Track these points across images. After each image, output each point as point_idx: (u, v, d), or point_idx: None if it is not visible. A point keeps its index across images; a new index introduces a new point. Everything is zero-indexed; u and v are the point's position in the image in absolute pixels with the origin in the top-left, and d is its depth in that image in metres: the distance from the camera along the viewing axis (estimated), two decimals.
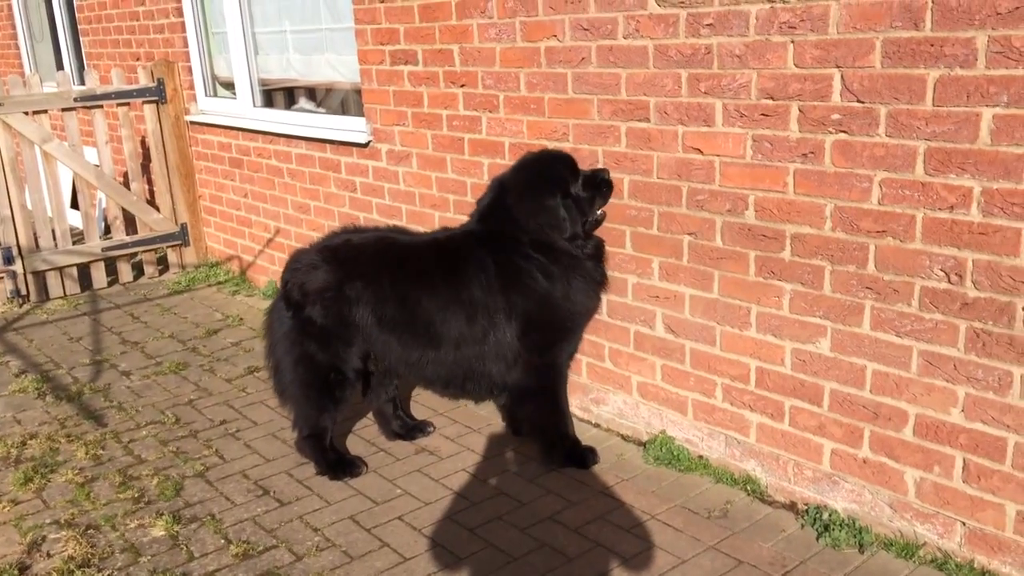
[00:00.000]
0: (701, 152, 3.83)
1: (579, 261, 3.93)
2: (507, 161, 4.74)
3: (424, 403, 4.86)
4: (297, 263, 4.11)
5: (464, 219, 4.76)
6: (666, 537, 3.52)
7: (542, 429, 4.16)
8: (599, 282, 4.07)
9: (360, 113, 5.80)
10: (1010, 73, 2.82)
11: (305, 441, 4.19)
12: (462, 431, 4.58)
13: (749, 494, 3.84)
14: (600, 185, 3.96)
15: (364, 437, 4.55)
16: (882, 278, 3.31)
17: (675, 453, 4.14)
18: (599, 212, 4.03)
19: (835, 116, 3.32)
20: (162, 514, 3.84)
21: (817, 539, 3.48)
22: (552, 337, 4.01)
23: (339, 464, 4.17)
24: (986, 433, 3.12)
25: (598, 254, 4.05)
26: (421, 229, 4.96)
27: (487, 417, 4.73)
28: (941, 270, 3.14)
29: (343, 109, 6.38)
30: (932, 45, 2.99)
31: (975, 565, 3.21)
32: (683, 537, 3.52)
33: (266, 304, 5.05)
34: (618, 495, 3.86)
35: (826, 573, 3.27)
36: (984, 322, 3.06)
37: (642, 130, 4.05)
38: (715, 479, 3.97)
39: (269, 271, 7.11)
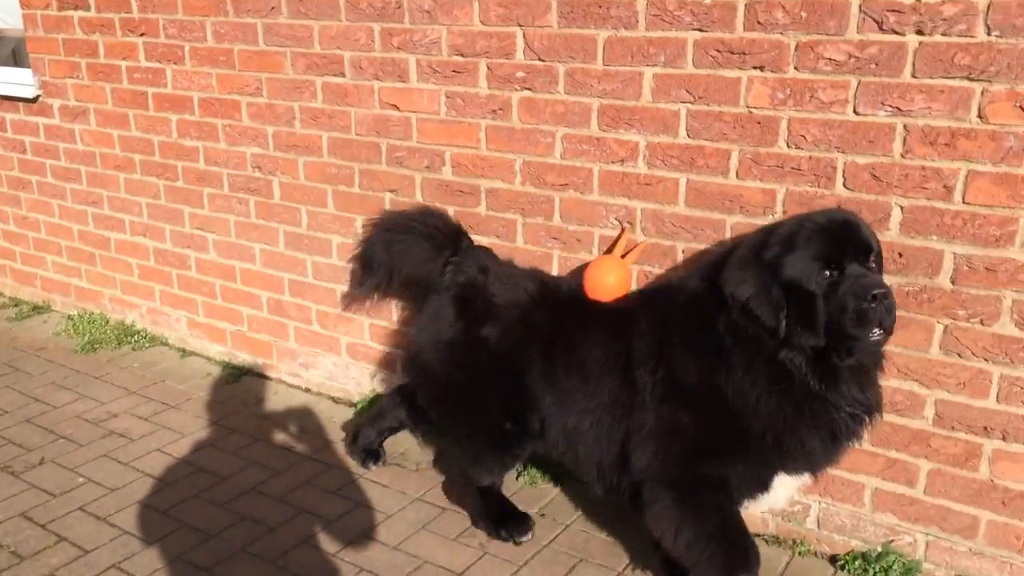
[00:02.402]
0: (398, 108, 3.80)
1: (803, 385, 2.57)
2: (197, 118, 4.44)
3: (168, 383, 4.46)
4: (497, 270, 3.36)
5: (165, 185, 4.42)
6: (373, 494, 3.52)
7: None
8: (839, 431, 2.64)
9: (28, 64, 5.14)
10: (666, 35, 3.06)
11: (472, 494, 3.37)
12: (158, 408, 4.26)
13: None
14: (859, 303, 2.41)
15: (41, 425, 4.08)
16: (567, 228, 3.50)
17: None
18: (871, 333, 2.45)
19: (520, 74, 3.43)
20: None
21: (516, 478, 3.65)
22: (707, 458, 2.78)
23: (506, 521, 3.29)
24: None
25: (850, 393, 2.59)
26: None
27: (186, 392, 4.44)
28: (616, 219, 3.37)
29: (15, 60, 5.61)
30: (600, 6, 3.17)
31: None
32: (390, 492, 3.53)
33: None
34: (326, 459, 3.80)
35: (523, 510, 3.41)
36: (651, 264, 3.33)
37: (338, 85, 3.94)
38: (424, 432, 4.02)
39: None
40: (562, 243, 3.52)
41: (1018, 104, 2.53)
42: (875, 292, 2.39)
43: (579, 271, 3.35)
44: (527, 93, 3.45)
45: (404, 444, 3.92)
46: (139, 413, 4.21)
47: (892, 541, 3.08)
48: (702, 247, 3.19)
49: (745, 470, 2.71)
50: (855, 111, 2.79)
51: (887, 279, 2.72)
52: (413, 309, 3.84)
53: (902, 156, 2.75)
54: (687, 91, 3.08)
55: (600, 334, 3.01)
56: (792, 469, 2.73)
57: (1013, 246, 2.63)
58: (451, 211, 3.76)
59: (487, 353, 3.17)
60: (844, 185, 2.86)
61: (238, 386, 4.52)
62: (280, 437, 3.98)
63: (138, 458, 3.79)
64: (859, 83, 2.76)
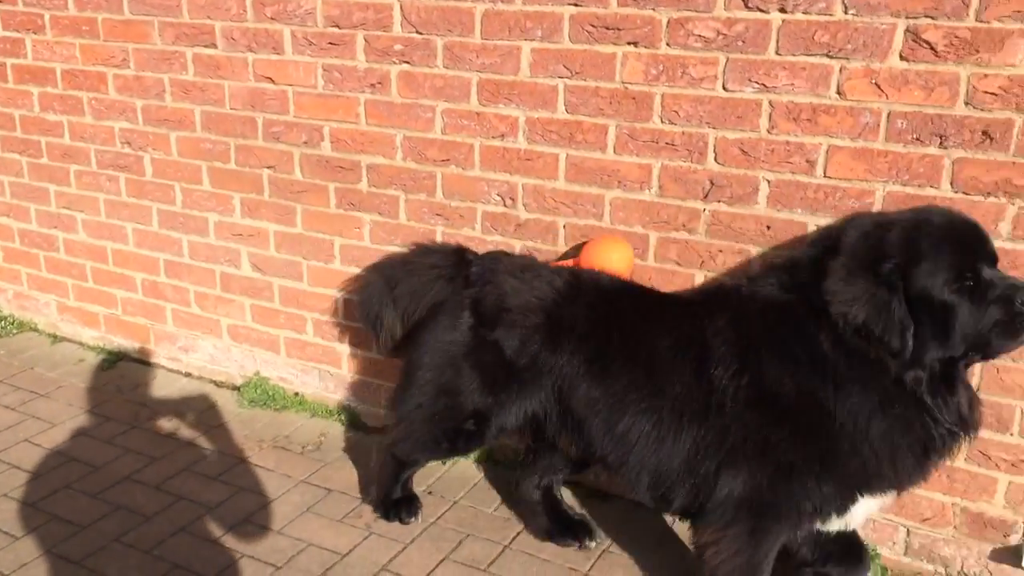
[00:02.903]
0: (273, 81, 3.68)
1: (922, 405, 2.35)
2: (60, 91, 4.21)
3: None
4: (509, 263, 3.03)
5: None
6: (256, 479, 3.44)
7: None
8: (933, 448, 2.41)
9: None
10: (542, 9, 3.06)
11: (389, 458, 3.23)
12: (27, 397, 4.04)
13: (344, 424, 3.89)
14: (1009, 309, 2.23)
15: None
16: (449, 205, 3.48)
17: (270, 393, 4.05)
18: (1000, 346, 2.31)
19: (398, 47, 3.37)
20: None
21: None
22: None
23: (399, 505, 3.24)
24: None
25: (958, 416, 2.38)
26: None
27: (57, 379, 4.23)
28: (498, 195, 3.37)
29: None
30: None
31: None
32: (274, 476, 3.46)
33: None
34: (206, 444, 3.69)
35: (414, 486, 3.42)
36: (534, 240, 3.35)
37: (210, 57, 3.79)
38: (311, 414, 3.95)
39: None
40: (445, 219, 3.50)
41: (874, 81, 2.63)
42: None
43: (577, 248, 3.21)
44: (406, 67, 3.39)
45: (289, 427, 3.85)
46: (5, 402, 3.99)
47: None
48: (583, 223, 3.22)
49: (830, 493, 2.46)
50: (724, 87, 2.85)
51: (762, 251, 2.82)
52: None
53: (768, 132, 2.83)
54: (564, 66, 3.09)
55: (669, 323, 2.68)
56: (879, 490, 2.49)
57: None
58: (331, 187, 3.69)
59: (493, 356, 2.87)
60: (715, 160, 2.94)
61: (113, 372, 4.34)
62: (158, 424, 3.84)
63: (4, 450, 3.60)
64: (727, 60, 2.82)
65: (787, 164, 2.83)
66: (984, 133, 2.52)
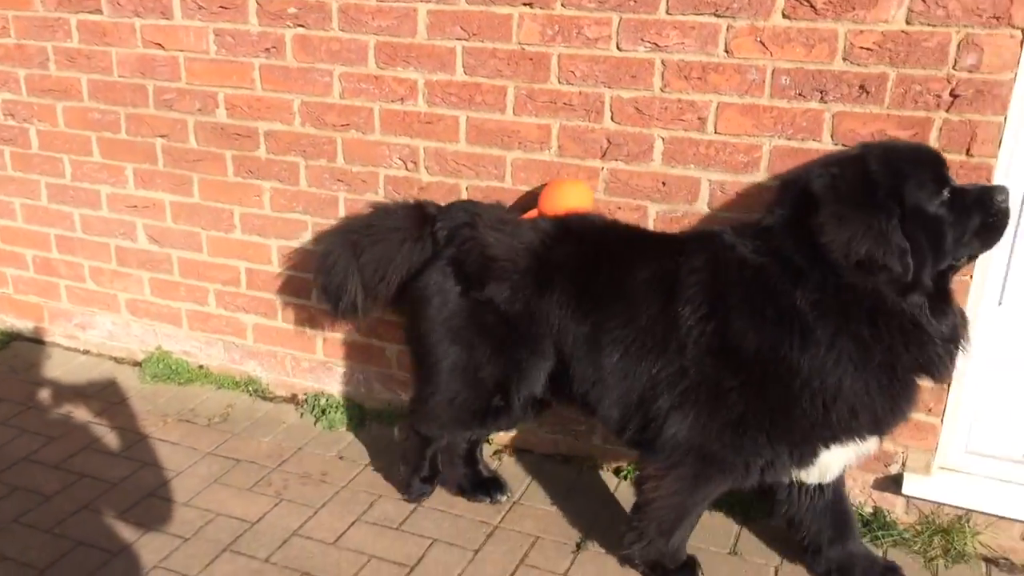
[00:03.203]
0: (163, 47, 3.57)
1: (919, 331, 2.36)
2: None
3: None
4: (487, 217, 2.89)
5: None
6: (162, 453, 3.38)
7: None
8: (937, 370, 2.44)
9: None
10: None
11: (414, 435, 3.11)
12: None
13: (251, 395, 3.85)
14: (988, 211, 2.34)
15: None
16: (351, 170, 3.45)
17: (173, 367, 3.97)
18: (973, 256, 2.45)
19: (292, 9, 3.31)
20: None
21: (315, 424, 3.63)
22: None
23: (427, 480, 3.16)
24: None
25: (954, 331, 2.43)
26: None
27: None
28: (399, 159, 3.36)
29: None
30: None
31: None
32: (180, 449, 3.41)
33: None
34: (108, 422, 3.60)
35: (321, 454, 3.43)
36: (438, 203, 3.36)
37: (95, 23, 3.65)
38: (217, 386, 3.90)
39: None
40: (347, 185, 3.48)
41: (759, 39, 2.73)
42: (1001, 192, 2.32)
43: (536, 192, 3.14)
44: (300, 30, 3.34)
45: (195, 400, 3.78)
46: None
47: None
48: (485, 184, 3.25)
49: (783, 448, 2.47)
50: (618, 47, 2.91)
51: (659, 207, 2.92)
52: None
53: (661, 90, 2.91)
54: (461, 28, 3.09)
55: (648, 257, 2.67)
56: (852, 440, 2.49)
57: (759, 171, 2.87)
58: (228, 155, 3.61)
59: (492, 316, 2.78)
60: (612, 119, 3.00)
61: (6, 352, 4.18)
62: (56, 402, 3.73)
63: None
64: (620, 20, 2.88)
65: (680, 121, 2.92)
66: (861, 87, 2.65)
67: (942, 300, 2.38)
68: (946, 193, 2.30)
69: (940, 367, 2.40)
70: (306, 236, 3.60)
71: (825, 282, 2.33)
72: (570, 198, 2.98)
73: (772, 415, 2.43)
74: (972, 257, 2.44)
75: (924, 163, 2.34)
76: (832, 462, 2.58)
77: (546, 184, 3.10)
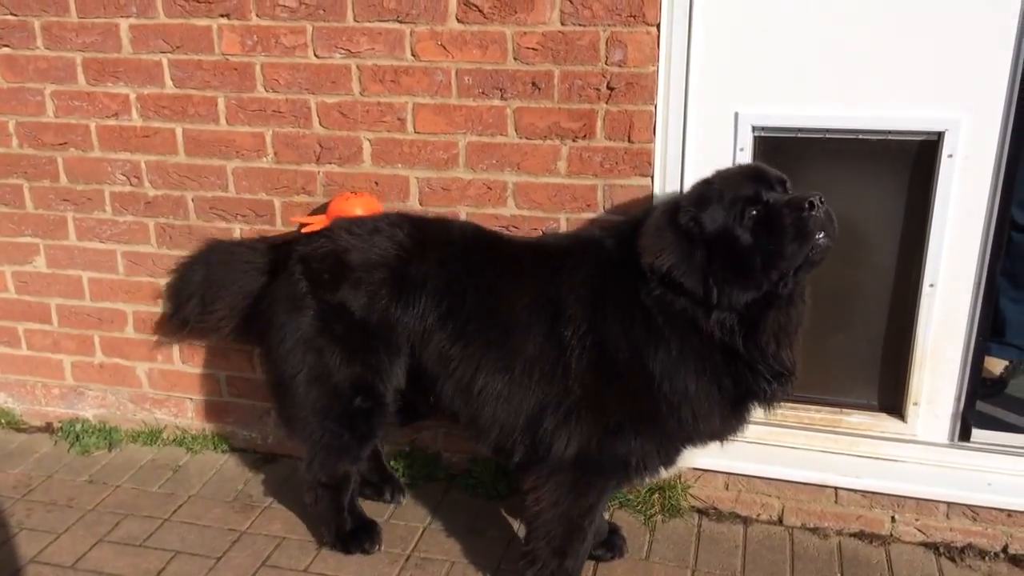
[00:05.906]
0: None
1: (737, 357, 2.39)
2: None
3: None
4: (341, 226, 2.80)
5: None
6: None
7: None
8: (756, 397, 2.49)
9: None
10: None
11: (319, 491, 2.94)
12: None
13: (4, 426, 3.74)
14: (795, 221, 2.22)
15: None
16: (76, 188, 3.40)
17: None
18: (816, 241, 2.24)
19: None
20: None
21: (69, 450, 3.57)
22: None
23: (357, 533, 2.97)
24: None
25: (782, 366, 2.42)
26: None
27: None
28: (122, 174, 3.34)
29: None
30: None
31: (207, 432, 3.63)
32: None
33: None
34: None
35: (71, 479, 3.38)
36: (167, 217, 3.35)
37: None
38: None
39: None
40: (73, 204, 3.42)
41: (439, 42, 2.87)
42: (810, 199, 2.19)
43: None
44: (7, 50, 3.26)
45: None
46: None
47: None
48: (210, 195, 3.27)
49: (651, 450, 2.52)
50: (315, 54, 2.99)
51: None
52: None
53: (361, 94, 3.01)
54: (164, 41, 3.10)
55: (528, 280, 2.61)
56: (702, 442, 2.60)
57: (459, 167, 3.02)
58: None
59: (344, 321, 2.70)
60: (320, 124, 3.08)
61: None
62: None
63: None
64: (313, 28, 2.96)
65: (382, 123, 3.03)
66: (533, 84, 2.83)
67: (758, 327, 2.34)
68: (753, 212, 2.27)
69: (762, 397, 2.46)
70: (39, 260, 3.52)
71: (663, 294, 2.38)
72: (355, 212, 2.92)
73: (641, 418, 2.48)
74: (809, 262, 2.27)
75: (733, 185, 2.32)
76: (688, 458, 2.76)
77: (331, 200, 3.06)
